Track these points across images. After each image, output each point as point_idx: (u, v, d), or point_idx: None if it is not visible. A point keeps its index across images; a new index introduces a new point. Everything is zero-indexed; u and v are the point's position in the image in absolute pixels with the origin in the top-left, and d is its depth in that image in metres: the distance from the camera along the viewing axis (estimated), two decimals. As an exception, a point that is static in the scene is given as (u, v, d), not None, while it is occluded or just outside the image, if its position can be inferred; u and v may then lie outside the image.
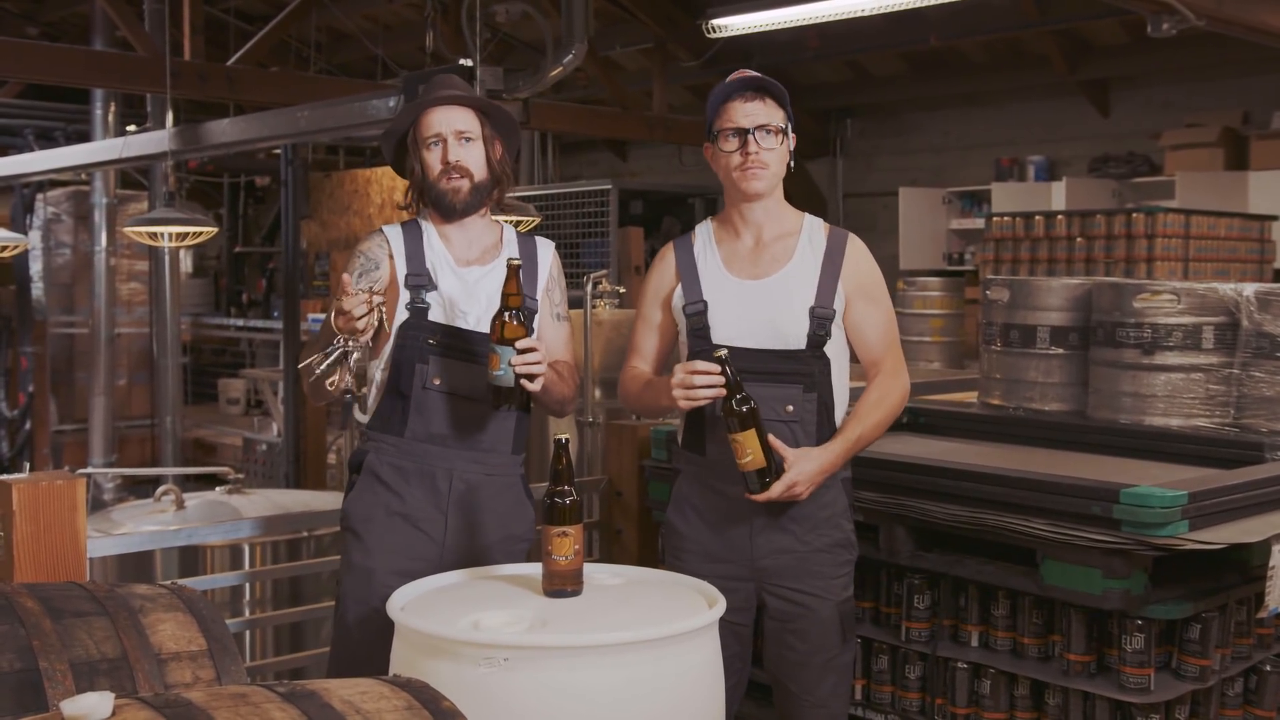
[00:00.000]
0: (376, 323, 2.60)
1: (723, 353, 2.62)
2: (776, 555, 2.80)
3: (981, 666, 3.14)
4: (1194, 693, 2.99)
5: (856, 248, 2.87)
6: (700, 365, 2.63)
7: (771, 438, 2.66)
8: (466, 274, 2.86)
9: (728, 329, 2.79)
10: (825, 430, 2.81)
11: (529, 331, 2.68)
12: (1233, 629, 3.08)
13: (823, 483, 2.77)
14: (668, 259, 2.92)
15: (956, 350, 7.74)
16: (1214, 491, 2.93)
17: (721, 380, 2.61)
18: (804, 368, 2.77)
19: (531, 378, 2.65)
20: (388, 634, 2.73)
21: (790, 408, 2.76)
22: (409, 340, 2.80)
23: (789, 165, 2.85)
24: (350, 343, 2.61)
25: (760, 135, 2.76)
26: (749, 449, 2.62)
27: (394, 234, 2.90)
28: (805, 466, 2.71)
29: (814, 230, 2.87)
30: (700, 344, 2.81)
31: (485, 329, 2.78)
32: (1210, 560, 2.97)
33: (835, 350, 2.82)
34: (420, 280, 2.83)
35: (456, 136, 2.81)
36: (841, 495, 2.87)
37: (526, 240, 2.98)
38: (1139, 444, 3.68)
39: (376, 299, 2.59)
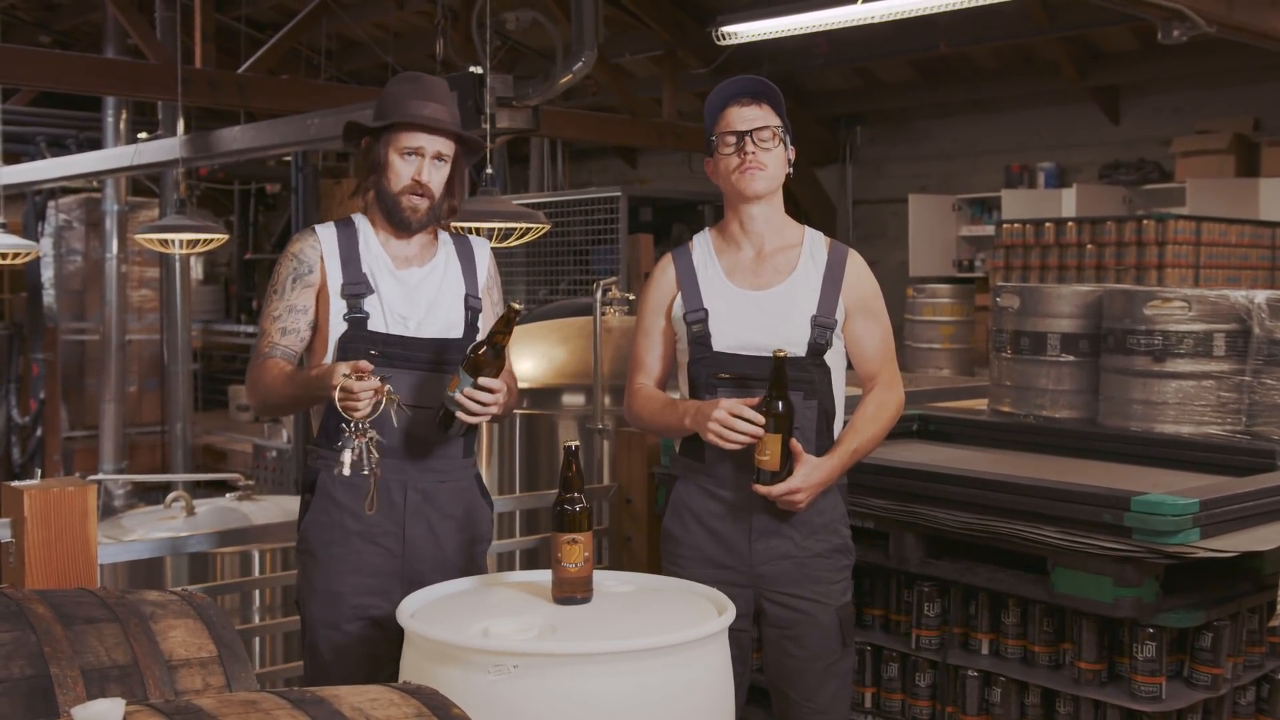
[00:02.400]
0: (381, 408, 2.51)
1: (782, 353, 2.66)
2: (775, 561, 2.80)
3: (992, 675, 3.13)
4: (1206, 701, 2.98)
5: (857, 263, 2.89)
6: (748, 413, 2.66)
7: (794, 442, 2.70)
8: (406, 276, 2.79)
9: (729, 337, 2.81)
10: (824, 438, 2.82)
11: (494, 367, 2.62)
12: (1245, 637, 3.07)
13: (824, 490, 2.79)
14: (667, 270, 2.93)
15: (966, 357, 7.74)
16: (1225, 499, 2.92)
17: (760, 430, 2.65)
18: (804, 375, 2.78)
19: (471, 413, 2.60)
20: (361, 653, 2.73)
21: None
22: (349, 353, 2.69)
23: (788, 174, 2.87)
24: (362, 428, 2.51)
25: (758, 137, 2.78)
26: (769, 449, 2.66)
27: (327, 235, 2.80)
28: (812, 476, 2.72)
29: (815, 243, 2.89)
30: (701, 352, 2.82)
31: (427, 334, 2.75)
32: (1222, 568, 2.96)
33: (834, 359, 2.84)
34: (358, 288, 2.74)
35: (433, 158, 2.76)
36: (839, 501, 2.88)
37: (462, 240, 2.93)
38: (1150, 451, 3.67)
39: (388, 387, 2.49)
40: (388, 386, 2.50)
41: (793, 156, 2.87)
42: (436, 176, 2.77)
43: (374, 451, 2.54)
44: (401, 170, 2.75)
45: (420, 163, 2.75)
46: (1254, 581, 3.04)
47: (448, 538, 2.80)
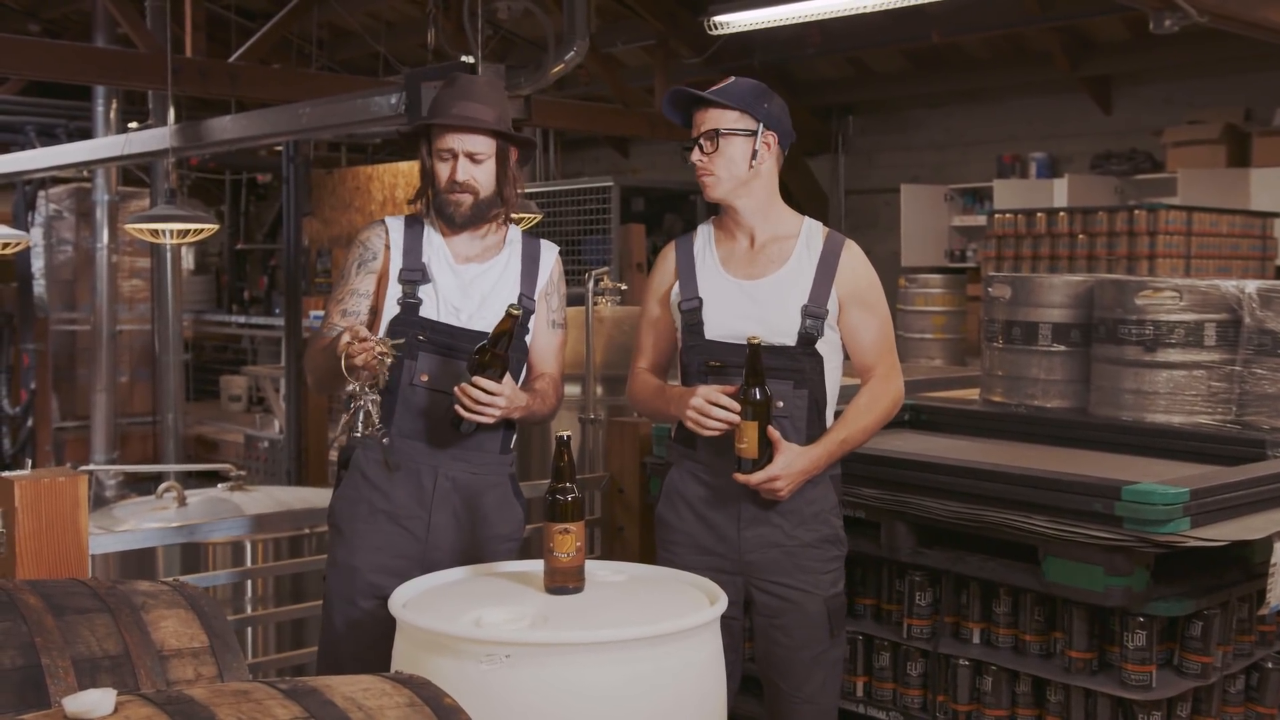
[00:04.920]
0: (385, 370, 2.60)
1: (756, 341, 2.65)
2: (764, 549, 2.81)
3: (983, 664, 3.14)
4: (1196, 690, 2.99)
5: (853, 253, 2.88)
6: (724, 400, 2.67)
7: (772, 430, 2.70)
8: (464, 270, 2.86)
9: (720, 326, 2.82)
10: (815, 427, 2.82)
11: (494, 369, 2.65)
12: (1234, 626, 3.08)
13: (810, 479, 2.79)
14: (668, 257, 2.96)
15: (958, 347, 7.74)
16: (1216, 489, 2.93)
17: (735, 418, 2.67)
18: (795, 364, 2.78)
19: (466, 408, 2.64)
20: (374, 632, 2.75)
21: (780, 403, 2.78)
22: (397, 335, 2.77)
23: (753, 163, 2.80)
24: (366, 391, 2.63)
25: (705, 143, 2.81)
26: (745, 437, 2.68)
27: (395, 225, 2.91)
28: (794, 464, 2.72)
29: (812, 234, 2.89)
30: (694, 339, 2.84)
31: (477, 327, 2.80)
32: (1212, 557, 2.97)
33: (827, 348, 2.84)
34: (414, 275, 2.83)
35: (467, 156, 2.81)
36: (830, 492, 2.88)
37: (530, 240, 2.98)
38: (1141, 441, 3.68)
39: (379, 350, 2.56)
40: (389, 345, 2.57)
41: (772, 143, 2.83)
42: (477, 173, 2.82)
43: (373, 415, 2.64)
44: (440, 171, 2.83)
45: (454, 162, 2.81)
46: (1244, 570, 3.05)
47: (471, 530, 2.84)
